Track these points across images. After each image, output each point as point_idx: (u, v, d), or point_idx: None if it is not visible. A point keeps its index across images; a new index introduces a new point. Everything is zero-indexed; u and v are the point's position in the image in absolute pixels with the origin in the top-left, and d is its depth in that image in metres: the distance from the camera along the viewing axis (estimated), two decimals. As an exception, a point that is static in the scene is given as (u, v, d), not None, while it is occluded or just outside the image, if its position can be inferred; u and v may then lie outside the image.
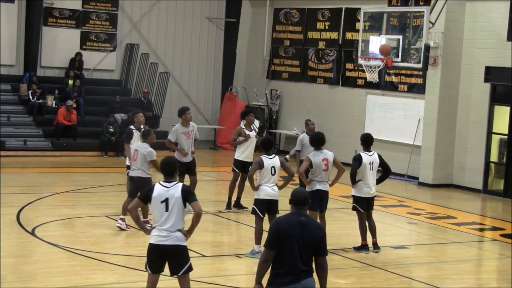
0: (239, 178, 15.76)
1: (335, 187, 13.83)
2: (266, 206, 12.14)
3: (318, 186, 12.52)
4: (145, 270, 8.59)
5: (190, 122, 15.38)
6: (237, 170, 15.71)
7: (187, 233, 8.43)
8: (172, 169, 8.49)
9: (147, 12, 26.97)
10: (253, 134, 15.73)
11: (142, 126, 14.57)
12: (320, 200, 12.56)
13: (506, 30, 19.55)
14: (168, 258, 8.39)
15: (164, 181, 8.45)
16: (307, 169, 12.64)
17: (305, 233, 7.03)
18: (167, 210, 8.31)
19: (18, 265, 11.23)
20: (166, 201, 8.31)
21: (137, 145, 13.72)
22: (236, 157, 15.80)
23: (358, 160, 12.82)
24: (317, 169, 12.47)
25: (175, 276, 8.49)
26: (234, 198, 15.84)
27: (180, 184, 8.43)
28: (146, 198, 8.46)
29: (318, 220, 12.65)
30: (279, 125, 26.88)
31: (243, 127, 15.69)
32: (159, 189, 8.37)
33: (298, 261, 7.01)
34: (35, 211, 14.90)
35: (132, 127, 14.67)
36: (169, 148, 15.96)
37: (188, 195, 8.36)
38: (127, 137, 14.68)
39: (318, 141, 12.69)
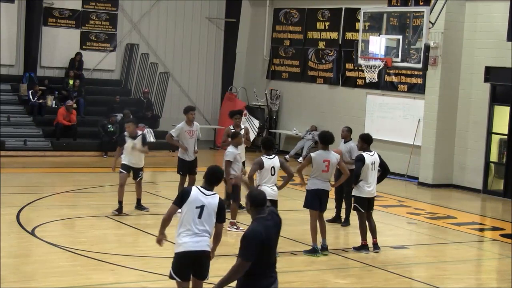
0: None
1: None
2: (266, 206, 12.13)
3: (319, 185, 12.49)
4: (171, 278, 8.26)
5: (194, 122, 15.56)
6: None
7: (211, 255, 8.35)
8: (215, 179, 8.27)
9: (147, 12, 26.97)
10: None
11: (139, 133, 14.94)
12: (320, 199, 12.54)
13: (506, 30, 19.54)
14: (196, 263, 8.23)
15: (203, 187, 8.25)
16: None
17: (278, 231, 7.25)
18: (200, 217, 8.13)
19: (18, 265, 11.23)
20: (201, 207, 8.13)
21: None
22: None
23: (361, 160, 12.81)
24: (316, 168, 12.44)
25: (194, 278, 8.37)
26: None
27: (218, 196, 8.25)
28: (182, 201, 8.20)
29: (318, 220, 12.66)
30: (279, 125, 26.88)
31: (232, 128, 15.80)
32: (197, 194, 8.17)
33: (273, 259, 7.15)
34: (35, 211, 14.90)
35: (126, 133, 14.94)
36: (169, 143, 16.19)
37: (221, 212, 8.25)
38: (121, 141, 15.18)
39: (324, 138, 12.65)
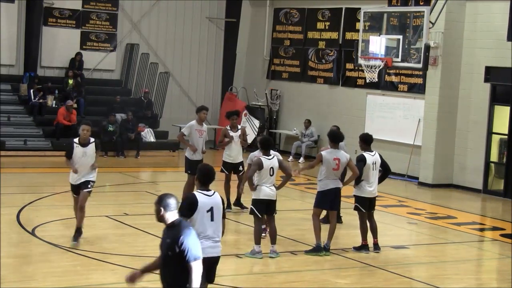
0: (231, 178, 15.87)
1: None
2: (265, 206, 12.14)
3: (330, 186, 12.48)
4: None
5: (203, 123, 15.73)
6: (226, 172, 15.81)
7: None
8: (208, 179, 8.21)
9: (147, 12, 26.97)
10: (237, 135, 15.81)
11: (91, 140, 12.38)
12: (331, 200, 12.54)
13: (506, 30, 19.54)
14: (211, 268, 8.25)
15: (202, 189, 8.20)
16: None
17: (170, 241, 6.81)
18: (212, 219, 8.12)
19: (18, 265, 11.24)
20: (211, 210, 8.11)
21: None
22: (224, 158, 15.94)
23: (362, 161, 12.81)
24: (327, 166, 12.43)
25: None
26: (232, 198, 15.87)
27: (218, 194, 8.26)
28: (192, 211, 8.06)
29: (330, 220, 12.69)
30: (279, 125, 26.87)
31: (228, 128, 15.85)
32: (203, 198, 8.11)
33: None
34: (35, 211, 14.91)
35: (76, 140, 12.41)
36: (180, 141, 16.17)
37: (223, 208, 8.30)
38: (67, 152, 12.46)
39: (334, 137, 12.68)
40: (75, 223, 12.54)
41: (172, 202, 6.71)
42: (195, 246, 6.55)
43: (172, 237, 6.63)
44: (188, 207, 8.06)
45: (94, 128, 23.19)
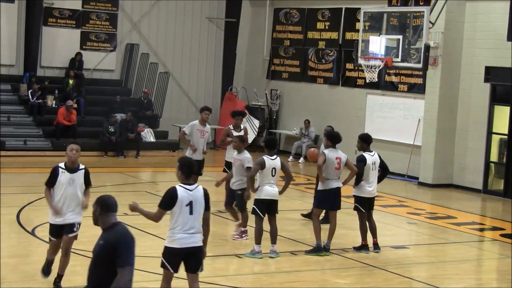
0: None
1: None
2: (266, 206, 12.15)
3: (332, 185, 12.50)
4: (163, 267, 8.56)
5: (206, 124, 15.80)
6: (228, 171, 15.82)
7: (204, 250, 8.52)
8: (192, 170, 8.43)
9: (147, 12, 26.97)
10: (240, 135, 15.81)
11: (81, 166, 10.14)
12: (333, 199, 12.56)
13: (506, 30, 19.55)
14: (189, 258, 8.43)
15: (184, 183, 8.38)
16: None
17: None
18: (191, 213, 8.31)
19: (18, 265, 11.24)
20: (190, 204, 8.30)
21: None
22: (226, 158, 15.91)
23: (363, 161, 12.84)
24: (329, 166, 12.44)
25: (190, 274, 8.53)
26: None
27: (201, 187, 8.44)
28: (171, 204, 8.31)
29: (330, 220, 12.71)
30: (279, 125, 26.88)
31: (231, 128, 15.86)
32: (183, 192, 8.31)
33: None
34: (35, 211, 14.90)
35: (61, 165, 9.93)
36: (180, 140, 16.17)
37: (208, 202, 8.42)
38: (49, 179, 9.91)
39: (333, 137, 12.71)
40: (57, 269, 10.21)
41: (112, 204, 6.57)
42: (129, 252, 6.26)
43: (106, 239, 6.39)
44: (168, 200, 8.33)
45: (96, 128, 23.60)
